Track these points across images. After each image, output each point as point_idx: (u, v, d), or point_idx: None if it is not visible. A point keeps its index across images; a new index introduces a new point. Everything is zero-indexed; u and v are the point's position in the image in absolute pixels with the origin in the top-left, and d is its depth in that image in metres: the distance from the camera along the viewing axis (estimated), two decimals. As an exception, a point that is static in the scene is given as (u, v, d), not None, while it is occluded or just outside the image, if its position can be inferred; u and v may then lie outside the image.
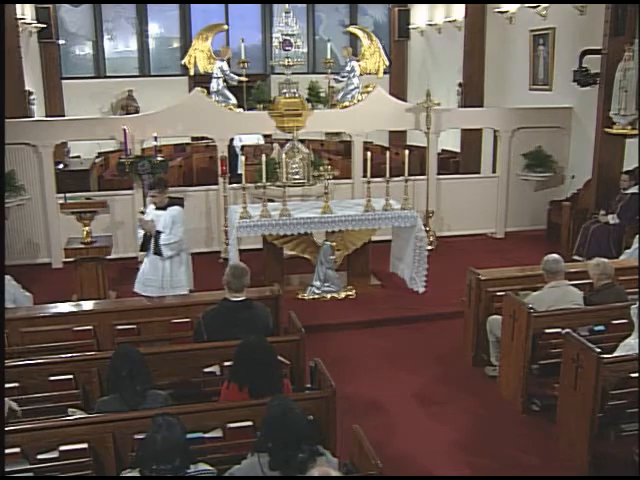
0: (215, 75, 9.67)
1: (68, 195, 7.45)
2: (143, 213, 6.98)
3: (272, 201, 7.90)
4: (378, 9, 17.06)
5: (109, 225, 8.81)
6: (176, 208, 6.46)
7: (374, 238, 8.06)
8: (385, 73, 10.88)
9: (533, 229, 10.39)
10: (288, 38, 8.62)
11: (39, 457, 3.55)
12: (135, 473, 3.12)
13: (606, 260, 5.63)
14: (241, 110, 9.41)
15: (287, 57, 8.68)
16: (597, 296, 5.52)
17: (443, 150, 12.26)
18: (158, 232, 6.32)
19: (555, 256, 5.58)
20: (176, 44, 16.76)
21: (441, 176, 10.19)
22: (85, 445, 3.60)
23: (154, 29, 16.72)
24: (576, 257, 8.30)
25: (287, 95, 8.97)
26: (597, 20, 8.87)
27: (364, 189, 8.16)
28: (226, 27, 10.78)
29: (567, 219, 9.27)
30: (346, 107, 9.62)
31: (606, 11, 8.51)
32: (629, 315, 5.05)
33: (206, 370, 4.56)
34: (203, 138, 12.47)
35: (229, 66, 9.90)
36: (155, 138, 8.71)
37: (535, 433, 5.10)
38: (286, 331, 5.13)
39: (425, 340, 6.82)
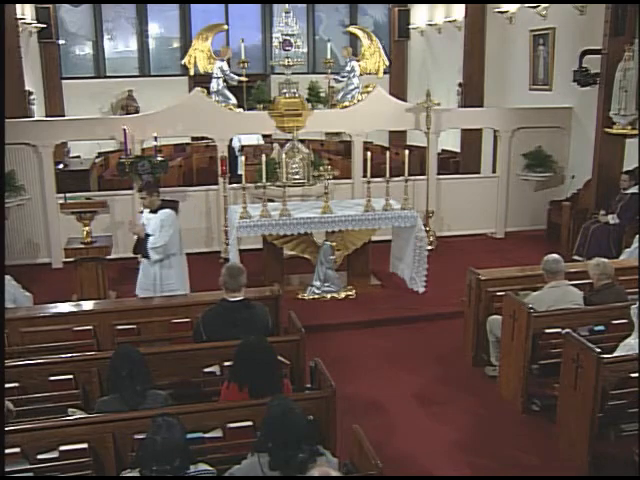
0: (215, 75, 9.66)
1: (68, 195, 7.45)
2: (142, 213, 6.98)
3: (272, 201, 7.90)
4: (378, 9, 17.07)
5: (109, 225, 8.81)
6: (165, 212, 6.37)
7: (374, 238, 8.06)
8: (385, 73, 10.87)
9: (533, 229, 10.39)
10: (288, 38, 8.62)
11: (39, 457, 3.55)
12: (135, 473, 3.12)
13: (606, 260, 5.63)
14: (241, 110, 9.41)
15: (287, 57, 8.68)
16: (597, 296, 5.52)
17: (443, 150, 12.26)
18: (147, 235, 6.32)
19: (555, 256, 5.58)
20: (176, 44, 16.76)
21: (441, 176, 10.20)
22: (85, 445, 3.60)
23: (154, 29, 16.73)
24: (576, 257, 8.30)
25: (287, 95, 8.97)
26: (597, 20, 8.87)
27: (364, 189, 8.16)
28: (226, 27, 10.78)
29: (567, 219, 9.27)
30: (346, 107, 9.62)
31: (606, 11, 8.51)
32: (629, 315, 5.06)
33: (206, 370, 4.55)
34: (203, 138, 12.47)
35: (229, 66, 9.89)
36: (155, 138, 8.71)
37: (535, 433, 5.10)
38: (286, 331, 5.13)
39: (425, 340, 6.82)
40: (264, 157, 7.97)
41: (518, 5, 11.04)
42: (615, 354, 4.66)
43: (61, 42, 15.53)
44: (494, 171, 11.00)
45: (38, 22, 13.98)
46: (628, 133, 8.51)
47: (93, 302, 5.93)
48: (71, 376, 4.36)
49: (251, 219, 7.41)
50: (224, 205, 8.94)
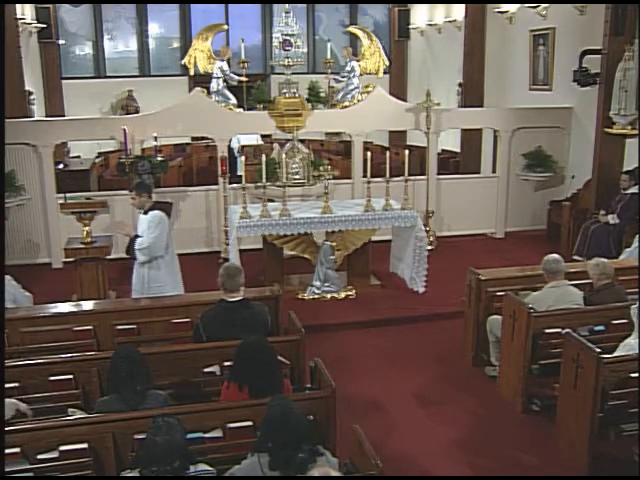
0: (215, 75, 9.67)
1: (68, 195, 7.45)
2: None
3: (272, 201, 7.90)
4: (378, 9, 17.07)
5: (109, 225, 8.80)
6: (153, 213, 6.27)
7: (374, 238, 8.06)
8: (385, 73, 10.89)
9: (533, 229, 10.39)
10: (288, 38, 8.62)
11: (39, 457, 3.55)
12: (135, 473, 3.12)
13: (606, 260, 5.63)
14: (241, 110, 9.42)
15: (287, 57, 8.68)
16: (597, 296, 5.52)
17: (443, 150, 12.26)
18: (137, 236, 6.28)
19: (555, 256, 5.58)
20: (176, 44, 16.76)
21: (441, 176, 10.20)
22: (85, 445, 3.59)
23: (154, 29, 16.73)
24: (576, 257, 8.30)
25: (287, 95, 8.97)
26: (597, 20, 8.87)
27: (364, 189, 8.16)
28: (226, 27, 10.79)
29: (567, 219, 9.27)
30: (346, 107, 9.62)
31: (606, 11, 8.51)
32: (629, 315, 5.06)
33: (206, 370, 4.55)
34: (203, 138, 12.47)
35: (229, 66, 9.91)
36: (155, 138, 8.72)
37: (535, 433, 5.10)
38: (286, 331, 5.13)
39: (425, 340, 6.82)
40: (264, 157, 7.97)
41: (518, 5, 11.04)
42: (615, 354, 4.66)
43: (61, 42, 15.53)
44: (494, 171, 11.00)
45: (38, 22, 13.98)
46: (628, 133, 8.51)
47: (93, 302, 5.93)
48: (71, 376, 4.36)
49: (251, 219, 7.41)
50: (224, 205, 8.94)
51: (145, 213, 6.33)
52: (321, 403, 3.97)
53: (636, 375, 4.44)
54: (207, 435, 3.77)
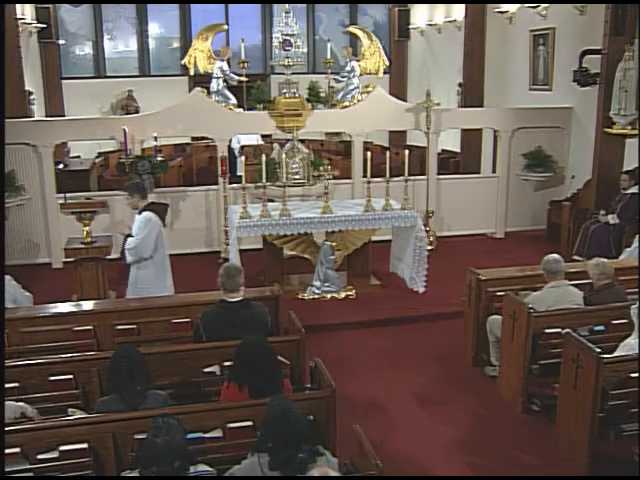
0: (215, 75, 9.67)
1: (68, 195, 7.44)
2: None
3: (272, 201, 7.90)
4: (378, 9, 17.07)
5: (109, 225, 8.79)
6: (144, 214, 6.29)
7: (374, 238, 8.06)
8: (385, 73, 10.89)
9: (533, 229, 10.39)
10: (288, 38, 8.62)
11: (39, 457, 3.55)
12: (135, 474, 3.12)
13: (606, 260, 5.63)
14: (241, 110, 9.42)
15: (287, 57, 8.68)
16: (597, 296, 5.52)
17: (443, 150, 12.26)
18: (129, 235, 6.31)
19: (555, 256, 5.58)
20: (176, 44, 16.76)
21: (441, 176, 10.20)
22: (85, 445, 3.59)
23: (154, 29, 16.73)
24: (576, 257, 8.30)
25: (287, 95, 8.97)
26: (597, 20, 8.87)
27: (364, 189, 8.16)
28: (226, 27, 10.78)
29: (567, 219, 9.27)
30: (346, 107, 9.62)
31: (606, 11, 8.51)
32: (629, 315, 5.06)
33: (206, 370, 4.55)
34: (203, 138, 12.47)
35: (229, 66, 9.90)
36: (155, 138, 8.72)
37: (535, 433, 5.10)
38: (286, 331, 5.13)
39: (425, 340, 6.82)
40: (264, 157, 7.97)
41: (518, 5, 11.04)
42: (615, 354, 4.66)
43: (61, 42, 15.53)
44: (494, 171, 11.00)
45: (38, 22, 13.98)
46: (628, 133, 8.51)
47: (93, 302, 5.92)
48: (71, 376, 4.36)
49: (251, 219, 7.41)
50: (224, 205, 8.94)
51: (140, 214, 6.34)
52: (321, 403, 3.97)
53: (636, 375, 4.44)
54: (207, 435, 3.77)
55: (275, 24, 9.77)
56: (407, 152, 7.94)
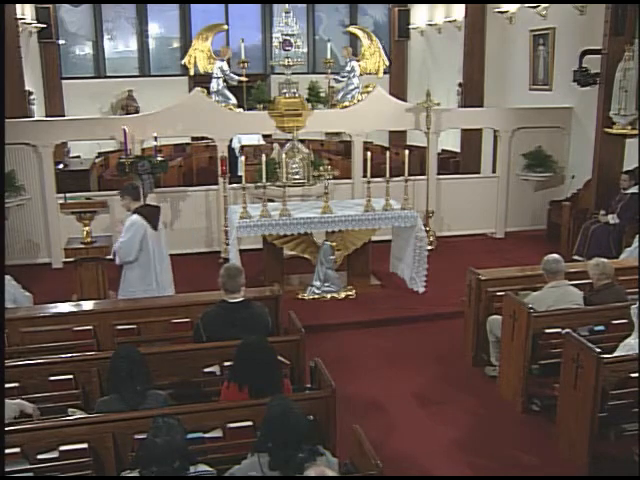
0: (215, 75, 9.67)
1: (68, 195, 7.44)
2: None
3: (272, 201, 7.90)
4: (378, 9, 17.07)
5: (109, 225, 8.79)
6: (130, 218, 6.30)
7: (374, 238, 8.06)
8: (385, 73, 10.88)
9: (533, 229, 10.39)
10: (288, 38, 8.62)
11: (39, 457, 3.55)
12: (135, 474, 3.12)
13: (606, 260, 5.63)
14: (241, 110, 9.42)
15: (287, 57, 8.68)
16: (597, 296, 5.52)
17: (443, 150, 12.27)
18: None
19: (555, 256, 5.58)
20: (176, 44, 16.77)
21: (441, 176, 10.20)
22: (85, 445, 3.59)
23: (154, 29, 16.73)
24: (576, 257, 8.30)
25: (287, 95, 8.97)
26: (597, 20, 8.87)
27: (364, 189, 8.16)
28: (226, 27, 10.78)
29: (567, 219, 9.27)
30: (346, 107, 9.62)
31: (606, 11, 8.51)
32: (629, 315, 5.06)
33: (206, 370, 4.55)
34: (203, 138, 12.47)
35: (229, 66, 9.90)
36: (155, 138, 8.71)
37: (535, 433, 5.10)
38: (286, 331, 5.13)
39: (425, 340, 6.82)
40: (264, 157, 7.97)
41: (518, 5, 11.04)
42: (615, 354, 4.66)
43: (61, 42, 15.53)
44: (494, 171, 11.00)
45: (38, 22, 13.98)
46: (628, 133, 8.51)
47: (93, 302, 5.92)
48: (71, 376, 4.36)
49: (251, 219, 7.41)
50: (224, 205, 8.94)
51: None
52: (321, 403, 3.97)
53: (636, 375, 4.44)
54: (207, 435, 3.76)
55: (275, 24, 9.77)
56: (407, 152, 7.94)
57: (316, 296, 7.73)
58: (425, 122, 9.55)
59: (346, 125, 9.73)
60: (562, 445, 4.80)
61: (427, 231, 8.78)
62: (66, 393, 4.32)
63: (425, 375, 6.08)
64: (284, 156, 7.96)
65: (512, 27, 11.48)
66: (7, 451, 3.43)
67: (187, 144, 14.30)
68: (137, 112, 13.69)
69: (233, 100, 9.62)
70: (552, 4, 10.23)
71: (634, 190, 8.27)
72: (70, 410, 4.01)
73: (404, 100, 11.99)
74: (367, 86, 9.69)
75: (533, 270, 6.10)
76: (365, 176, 7.97)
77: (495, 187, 10.30)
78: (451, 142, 12.90)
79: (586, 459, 4.53)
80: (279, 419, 3.19)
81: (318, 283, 7.76)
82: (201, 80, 11.07)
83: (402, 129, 11.99)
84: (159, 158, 8.78)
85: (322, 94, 9.74)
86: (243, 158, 8.01)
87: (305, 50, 13.52)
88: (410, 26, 15.77)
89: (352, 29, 11.20)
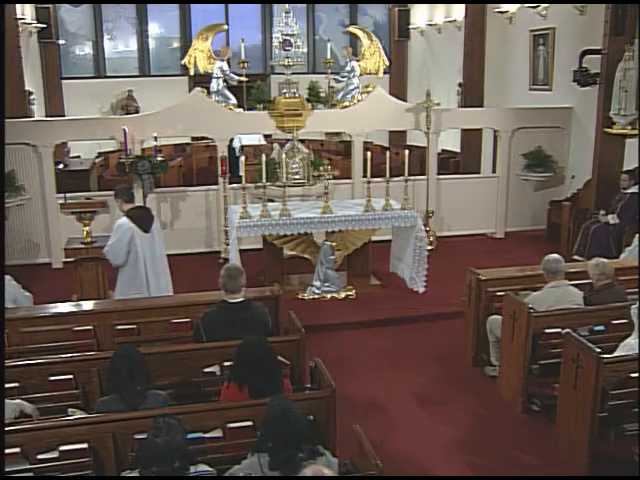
0: (215, 75, 9.67)
1: (68, 195, 7.45)
2: None
3: (272, 201, 7.90)
4: (378, 9, 17.07)
5: (109, 225, 8.76)
6: (118, 221, 6.31)
7: (374, 238, 8.06)
8: (385, 73, 10.88)
9: (533, 229, 10.39)
10: (288, 38, 8.62)
11: (39, 457, 3.55)
12: (135, 474, 3.12)
13: (606, 260, 5.63)
14: (241, 110, 9.41)
15: (287, 57, 8.68)
16: (597, 296, 5.52)
17: (443, 150, 12.27)
18: None
19: (555, 256, 5.58)
20: (176, 44, 16.77)
21: (441, 176, 10.20)
22: (85, 445, 3.59)
23: (154, 29, 16.73)
24: (576, 257, 8.30)
25: (287, 95, 8.97)
26: (597, 20, 8.87)
27: (364, 189, 8.16)
28: (226, 27, 10.78)
29: (567, 219, 9.27)
30: (346, 107, 9.62)
31: (606, 11, 8.52)
32: (629, 315, 5.06)
33: (206, 370, 4.55)
34: (203, 138, 12.47)
35: (229, 66, 9.90)
36: (155, 138, 8.71)
37: (535, 433, 5.10)
38: (286, 331, 5.13)
39: (425, 340, 6.82)
40: (264, 157, 7.97)
41: (518, 5, 11.04)
42: (615, 354, 4.66)
43: (61, 42, 15.54)
44: (494, 171, 11.00)
45: (38, 22, 13.98)
46: (628, 133, 8.51)
47: (93, 302, 5.92)
48: (71, 376, 4.36)
49: (251, 219, 7.41)
50: (224, 205, 8.94)
51: None
52: (321, 403, 3.97)
53: (636, 375, 4.44)
54: (207, 435, 3.77)
55: (275, 24, 9.77)
56: (407, 152, 7.94)
57: (316, 296, 7.73)
58: (425, 122, 9.55)
59: (346, 125, 9.73)
60: (562, 445, 4.80)
61: (427, 231, 8.78)
62: (66, 393, 4.32)
63: (425, 375, 6.08)
64: (284, 156, 7.96)
65: (512, 27, 11.48)
66: (7, 451, 3.43)
67: (187, 144, 14.30)
68: (137, 112, 13.69)
69: (233, 100, 9.61)
70: (552, 4, 10.23)
71: (634, 190, 8.27)
72: (70, 410, 4.01)
73: (404, 100, 11.99)
74: (367, 86, 9.69)
75: (533, 270, 6.10)
76: (365, 176, 7.97)
77: (495, 187, 10.30)
78: (451, 142, 12.90)
79: (586, 459, 4.53)
80: (279, 419, 3.19)
81: (318, 283, 7.76)
82: (201, 80, 11.06)
83: (402, 129, 11.99)
84: (159, 158, 8.79)
85: (322, 94, 9.74)
86: (243, 158, 8.01)
87: (305, 50, 13.52)
88: (410, 26, 15.77)
89: (352, 29, 11.20)
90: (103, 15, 16.14)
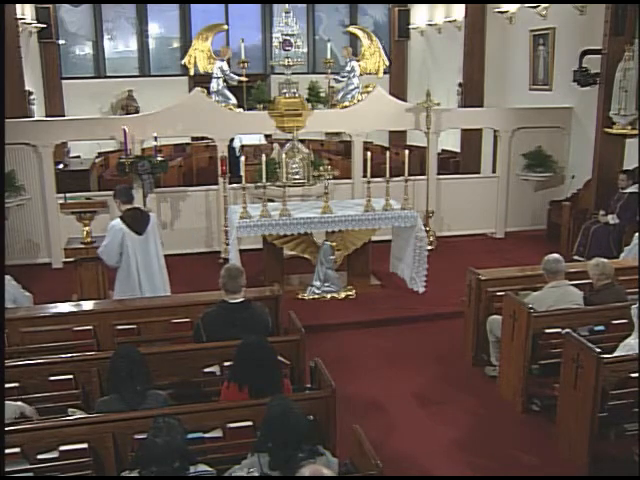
0: (215, 75, 9.66)
1: (68, 195, 7.44)
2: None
3: (272, 201, 7.90)
4: (378, 9, 17.07)
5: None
6: (111, 222, 6.33)
7: (374, 238, 8.06)
8: (385, 73, 10.88)
9: (533, 229, 10.39)
10: (288, 38, 8.62)
11: (39, 457, 3.55)
12: (135, 474, 3.12)
13: (605, 260, 5.63)
14: (241, 110, 9.41)
15: (287, 57, 8.68)
16: (597, 296, 5.52)
17: (443, 150, 12.26)
18: None
19: (555, 256, 5.58)
20: (176, 44, 16.76)
21: (441, 176, 10.20)
22: (85, 445, 3.59)
23: (154, 29, 16.73)
24: (576, 257, 8.31)
25: (287, 95, 8.97)
26: (597, 20, 8.87)
27: (364, 189, 8.16)
28: (226, 27, 10.78)
29: (567, 219, 9.27)
30: (346, 107, 9.62)
31: (606, 11, 8.52)
32: (629, 315, 5.06)
33: (206, 370, 4.55)
34: (203, 138, 12.46)
35: (229, 66, 9.90)
36: (155, 138, 8.71)
37: (535, 433, 5.10)
38: (286, 331, 5.13)
39: (425, 340, 6.82)
40: (264, 157, 7.97)
41: (518, 5, 11.04)
42: (615, 354, 4.66)
43: (61, 42, 15.53)
44: (494, 171, 11.00)
45: (38, 22, 13.98)
46: (628, 133, 8.52)
47: (93, 302, 5.92)
48: (71, 376, 4.36)
49: (251, 219, 7.41)
50: (224, 205, 8.94)
51: None
52: (321, 403, 3.97)
53: (636, 375, 4.44)
54: (207, 435, 3.77)
55: (275, 24, 9.76)
56: (407, 152, 7.94)
57: (316, 296, 7.73)
58: (425, 122, 9.55)
59: (346, 125, 9.73)
60: (562, 445, 4.80)
61: (427, 231, 8.78)
62: (66, 393, 4.32)
63: (425, 375, 6.08)
64: (284, 156, 7.96)
65: (512, 27, 11.48)
66: (7, 451, 3.44)
67: (187, 144, 14.30)
68: (137, 112, 13.69)
69: (233, 100, 9.61)
70: (552, 4, 10.23)
71: (633, 189, 8.27)
72: (70, 410, 4.02)
73: (404, 100, 11.99)
74: (367, 86, 9.69)
75: (533, 270, 6.10)
76: (365, 176, 7.97)
77: (495, 187, 10.30)
78: (451, 142, 12.89)
79: (586, 459, 4.53)
80: (279, 419, 3.19)
81: (318, 283, 7.76)
82: (201, 80, 11.06)
83: (402, 129, 11.99)
84: (159, 158, 8.79)
85: (322, 94, 9.73)
86: (243, 158, 8.00)
87: (305, 50, 13.50)
88: (410, 26, 15.77)
89: (352, 29, 11.21)
90: (103, 15, 16.13)
